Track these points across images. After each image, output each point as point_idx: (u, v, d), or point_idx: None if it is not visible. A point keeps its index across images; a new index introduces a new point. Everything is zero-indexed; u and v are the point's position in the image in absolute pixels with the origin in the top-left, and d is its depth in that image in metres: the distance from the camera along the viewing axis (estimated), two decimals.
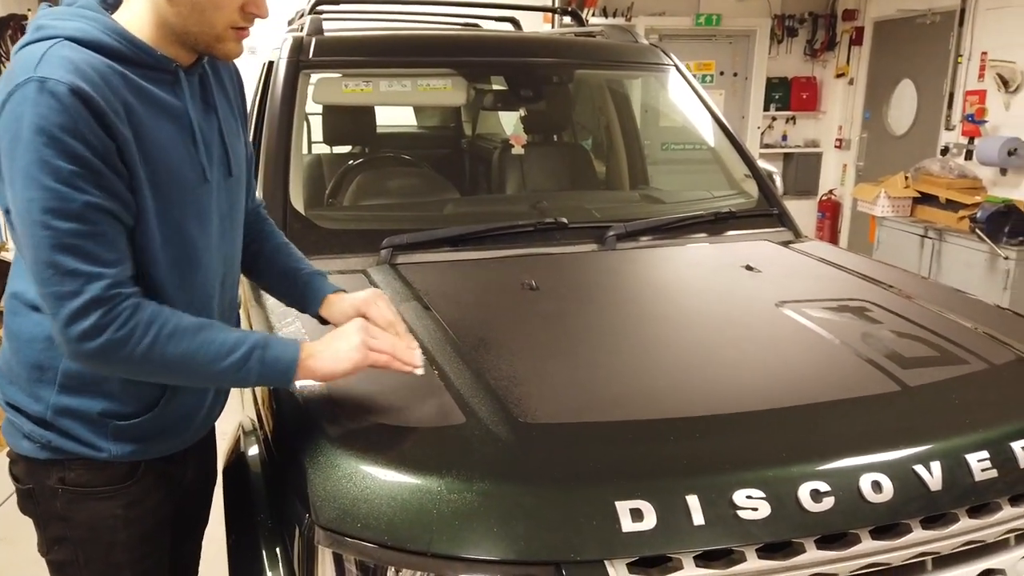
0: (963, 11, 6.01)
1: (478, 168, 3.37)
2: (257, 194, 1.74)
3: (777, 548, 1.13)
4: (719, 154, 2.76)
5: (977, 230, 4.84)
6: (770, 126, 7.70)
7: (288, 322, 1.62)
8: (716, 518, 1.11)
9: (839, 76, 7.51)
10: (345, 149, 3.31)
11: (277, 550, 1.34)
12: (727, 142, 2.67)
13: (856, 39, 7.27)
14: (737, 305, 1.79)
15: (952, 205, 5.20)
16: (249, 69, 1.54)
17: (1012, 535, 1.28)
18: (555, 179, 2.91)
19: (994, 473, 1.25)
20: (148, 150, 1.19)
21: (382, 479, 1.14)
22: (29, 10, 5.93)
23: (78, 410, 1.29)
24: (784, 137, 7.74)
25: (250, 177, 1.53)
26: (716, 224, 2.34)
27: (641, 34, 2.96)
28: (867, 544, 1.16)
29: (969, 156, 5.87)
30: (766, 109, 7.59)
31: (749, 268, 2.01)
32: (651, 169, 3.31)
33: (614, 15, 6.99)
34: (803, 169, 7.72)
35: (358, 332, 1.29)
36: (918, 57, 6.55)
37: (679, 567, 1.09)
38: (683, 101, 2.79)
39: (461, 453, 1.19)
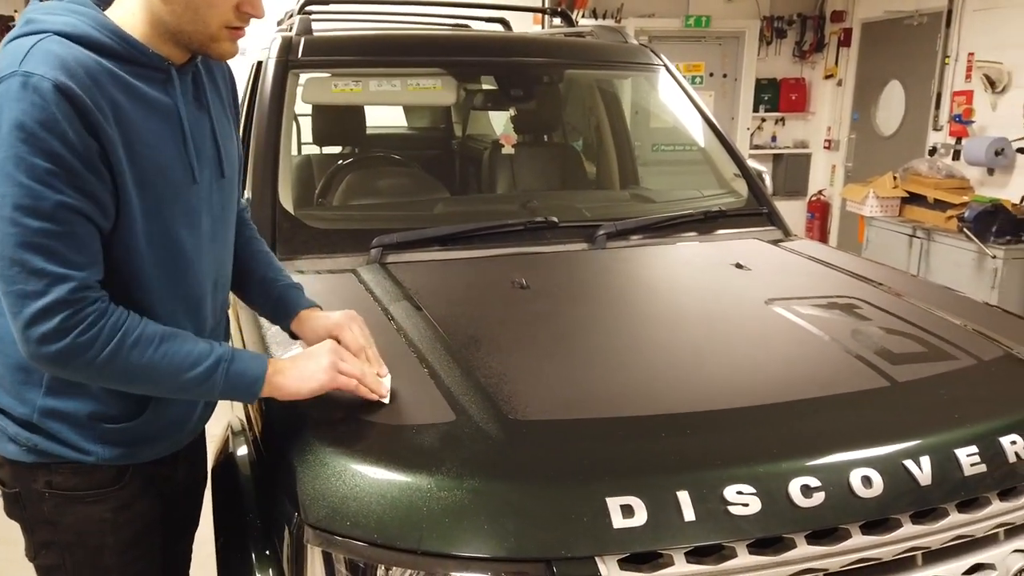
0: (950, 12, 6.05)
1: (468, 168, 3.36)
2: (245, 194, 1.73)
3: (768, 543, 1.13)
4: (708, 153, 2.77)
5: (965, 230, 4.87)
6: (759, 127, 7.72)
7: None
8: (707, 514, 1.11)
9: (828, 77, 7.55)
10: (335, 150, 3.30)
11: (267, 552, 1.33)
12: (716, 141, 2.68)
13: (844, 40, 7.31)
14: (727, 303, 1.80)
15: (940, 205, 5.22)
16: (238, 69, 1.53)
17: (1001, 529, 1.28)
18: (545, 179, 2.91)
19: (983, 468, 1.25)
20: (136, 149, 1.18)
21: (372, 477, 1.14)
22: (16, 11, 5.89)
23: (65, 412, 1.27)
24: (773, 138, 7.77)
25: (240, 178, 1.52)
26: (706, 223, 2.34)
27: (631, 35, 2.96)
28: (857, 539, 1.16)
29: (957, 156, 5.90)
30: (755, 110, 7.62)
31: (739, 266, 2.01)
32: (640, 167, 3.31)
33: (604, 16, 7.00)
34: (792, 170, 7.75)
35: (328, 354, 1.28)
36: (906, 58, 6.59)
37: (670, 563, 1.09)
38: (673, 101, 2.79)
39: (451, 451, 1.18)
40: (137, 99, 1.19)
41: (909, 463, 1.22)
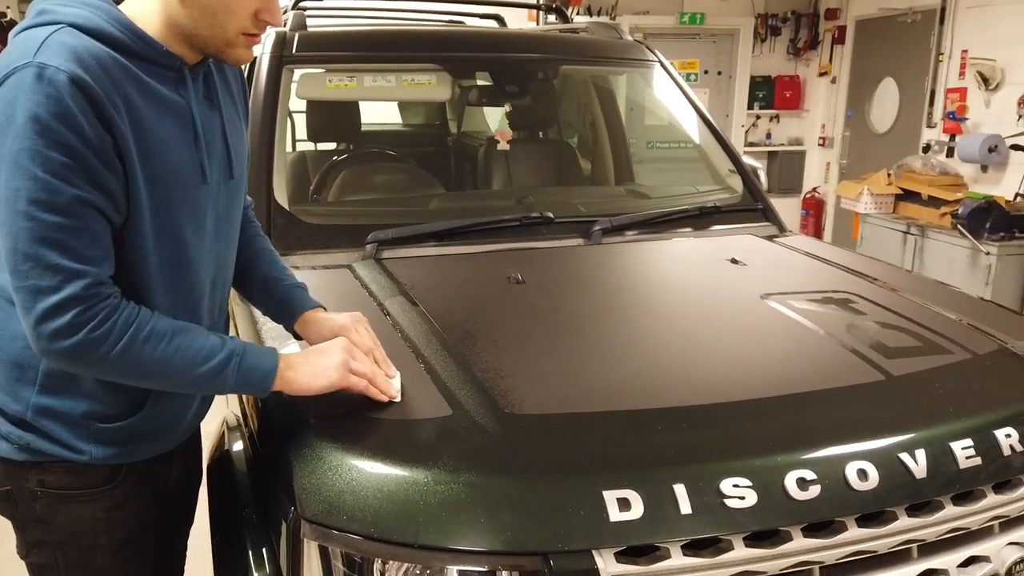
0: (943, 10, 6.07)
1: (464, 164, 3.36)
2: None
3: (764, 536, 1.13)
4: (703, 149, 2.77)
5: (959, 226, 4.88)
6: (754, 124, 7.73)
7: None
8: (703, 507, 1.11)
9: (822, 75, 7.56)
10: (330, 146, 3.29)
11: (263, 549, 1.33)
12: (711, 137, 2.68)
13: (838, 38, 7.32)
14: (723, 297, 1.80)
15: (934, 202, 5.24)
16: None
17: (996, 522, 1.29)
18: (540, 175, 2.91)
19: (978, 461, 1.26)
20: (149, 147, 1.16)
21: (368, 471, 1.14)
22: (8, 8, 5.86)
23: (59, 411, 1.25)
24: (768, 135, 7.78)
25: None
26: (701, 219, 2.35)
27: (626, 32, 2.96)
28: (853, 532, 1.17)
29: (950, 153, 5.92)
30: (750, 108, 7.63)
31: (734, 261, 2.01)
32: (635, 164, 3.31)
33: (598, 13, 6.99)
34: (787, 167, 7.76)
35: (340, 352, 1.27)
36: (900, 55, 6.61)
37: (666, 556, 1.09)
38: (668, 97, 2.79)
39: (447, 445, 1.18)
40: (150, 96, 1.17)
41: (904, 456, 1.23)
